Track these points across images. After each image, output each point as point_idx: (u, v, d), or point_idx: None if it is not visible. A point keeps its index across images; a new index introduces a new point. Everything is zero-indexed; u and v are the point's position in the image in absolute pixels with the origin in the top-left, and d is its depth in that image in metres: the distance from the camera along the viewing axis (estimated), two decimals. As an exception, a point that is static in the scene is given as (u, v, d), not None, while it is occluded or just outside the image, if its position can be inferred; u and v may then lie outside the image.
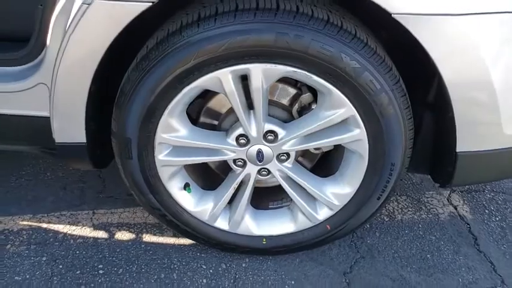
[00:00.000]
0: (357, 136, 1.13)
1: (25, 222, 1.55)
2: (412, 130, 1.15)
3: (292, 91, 1.23)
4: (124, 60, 1.15)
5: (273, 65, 1.03)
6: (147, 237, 1.50)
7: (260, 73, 1.06)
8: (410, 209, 1.64)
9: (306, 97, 1.21)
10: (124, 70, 1.14)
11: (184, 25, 1.02)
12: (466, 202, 1.68)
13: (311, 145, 1.20)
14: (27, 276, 1.36)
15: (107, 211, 1.62)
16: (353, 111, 1.09)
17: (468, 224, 1.57)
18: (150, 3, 0.96)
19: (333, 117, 1.11)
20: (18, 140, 1.37)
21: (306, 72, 1.04)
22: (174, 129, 1.18)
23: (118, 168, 1.28)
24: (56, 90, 1.13)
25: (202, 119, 1.31)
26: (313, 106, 1.21)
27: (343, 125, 1.14)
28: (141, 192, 1.29)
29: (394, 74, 1.07)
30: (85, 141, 1.21)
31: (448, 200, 1.69)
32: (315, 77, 1.04)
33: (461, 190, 1.74)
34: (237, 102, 1.12)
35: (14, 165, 1.81)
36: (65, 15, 1.06)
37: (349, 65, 1.01)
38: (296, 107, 1.23)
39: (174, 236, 1.50)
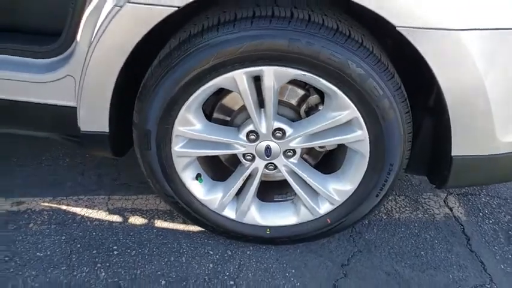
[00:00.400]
0: (359, 137, 1.22)
1: (46, 204, 1.66)
2: (411, 133, 1.24)
3: (301, 92, 1.33)
4: (144, 56, 1.24)
5: (285, 68, 1.13)
6: (159, 223, 1.61)
7: (272, 75, 1.15)
8: (407, 209, 1.72)
9: (314, 98, 1.31)
10: (143, 65, 1.24)
11: (206, 28, 1.11)
12: (461, 204, 1.76)
13: (316, 143, 1.29)
14: (48, 253, 1.47)
15: (122, 197, 1.72)
16: (357, 114, 1.18)
17: (462, 225, 1.66)
18: (176, 8, 1.05)
19: (337, 118, 1.20)
20: (45, 127, 1.47)
21: (315, 76, 1.13)
22: (190, 123, 1.27)
23: (132, 158, 1.38)
24: (84, 83, 1.23)
25: (215, 115, 1.41)
26: (320, 107, 1.30)
27: (347, 126, 1.23)
28: (157, 181, 1.39)
29: (396, 81, 1.16)
30: (108, 131, 1.31)
31: (444, 201, 1.77)
32: (323, 81, 1.14)
33: (458, 193, 1.82)
34: (249, 100, 1.22)
35: (35, 151, 1.92)
36: (96, 15, 1.16)
37: (355, 72, 1.10)
38: (304, 107, 1.32)
39: (184, 222, 1.60)
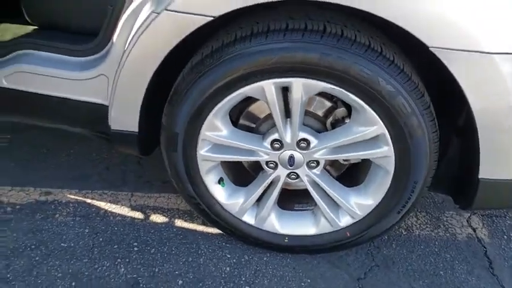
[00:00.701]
0: (385, 153, 1.21)
1: (72, 196, 1.72)
2: (437, 153, 1.23)
3: (328, 104, 1.33)
4: (175, 61, 1.27)
5: (314, 81, 1.13)
6: (179, 222, 1.64)
7: (301, 87, 1.16)
8: (428, 226, 1.70)
9: (341, 111, 1.31)
10: (174, 70, 1.26)
11: (238, 38, 1.13)
12: (485, 226, 1.72)
13: (341, 156, 1.29)
14: (72, 245, 1.52)
15: (144, 194, 1.76)
16: (384, 130, 1.17)
17: (485, 247, 1.62)
18: (211, 18, 1.07)
19: (364, 133, 1.20)
20: (77, 122, 1.52)
21: (344, 90, 1.13)
22: (217, 129, 1.29)
23: (156, 157, 1.40)
24: (118, 83, 1.26)
25: (242, 121, 1.42)
26: (347, 120, 1.30)
27: (373, 141, 1.22)
28: (181, 182, 1.41)
29: (425, 100, 1.15)
30: (137, 130, 1.35)
31: (467, 221, 1.74)
32: (351, 96, 1.14)
33: (482, 214, 1.78)
34: (276, 110, 1.23)
35: (64, 144, 1.99)
36: (133, 19, 1.19)
37: (385, 89, 1.10)
38: (330, 119, 1.33)
39: (203, 224, 1.62)
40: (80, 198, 1.71)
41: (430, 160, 1.20)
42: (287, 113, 1.27)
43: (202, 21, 1.07)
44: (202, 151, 1.34)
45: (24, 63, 1.41)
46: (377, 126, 1.17)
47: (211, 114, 1.25)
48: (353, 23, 1.12)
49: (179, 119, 1.27)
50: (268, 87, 1.17)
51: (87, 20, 1.45)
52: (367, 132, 1.19)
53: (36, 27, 1.56)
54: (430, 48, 1.03)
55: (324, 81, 1.12)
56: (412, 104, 1.11)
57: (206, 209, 1.46)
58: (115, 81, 1.27)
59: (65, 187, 1.75)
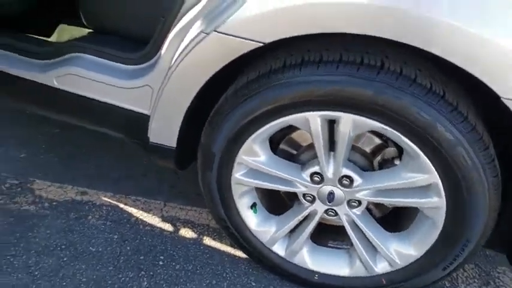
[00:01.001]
0: (435, 204, 1.10)
1: (106, 199, 1.72)
2: (497, 212, 1.09)
3: (378, 141, 1.23)
4: (218, 81, 1.22)
5: (365, 119, 1.04)
6: (207, 240, 1.59)
7: (350, 123, 1.07)
8: (476, 281, 1.54)
9: (391, 151, 1.20)
10: (217, 90, 1.22)
11: (288, 66, 1.06)
12: (542, 289, 1.54)
13: (385, 200, 1.19)
14: (100, 250, 1.51)
15: (177, 206, 1.74)
16: (437, 180, 1.06)
17: (539, 315, 1.45)
18: (261, 44, 1.01)
19: (414, 180, 1.09)
20: (118, 128, 1.52)
21: (397, 132, 1.03)
22: (255, 154, 1.23)
23: (192, 168, 1.36)
24: (161, 98, 1.24)
25: (282, 146, 1.35)
26: (396, 162, 1.19)
27: (423, 189, 1.11)
28: (213, 202, 1.37)
29: (490, 153, 1.02)
30: (175, 146, 1.32)
31: (521, 281, 1.56)
32: (405, 139, 1.03)
33: (540, 275, 1.60)
34: (319, 142, 1.15)
35: (105, 146, 2.00)
36: (182, 35, 1.16)
37: (443, 136, 0.98)
38: (378, 158, 1.22)
39: (231, 245, 1.57)
40: (114, 202, 1.71)
41: (488, 219, 1.07)
42: (331, 145, 1.18)
43: (252, 46, 1.01)
44: (238, 174, 1.28)
45: (76, 66, 1.42)
46: (430, 175, 1.06)
47: (250, 138, 1.19)
48: (414, 61, 1.02)
49: (217, 140, 1.22)
50: (314, 119, 1.09)
51: (140, 27, 1.44)
52: (418, 180, 1.08)
53: (91, 30, 1.58)
54: (502, 99, 0.91)
55: (376, 120, 1.03)
56: (473, 156, 0.99)
57: (235, 233, 1.40)
58: (158, 95, 1.25)
59: (101, 189, 1.76)
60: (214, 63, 1.09)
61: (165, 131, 1.30)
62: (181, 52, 1.14)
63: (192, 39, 1.09)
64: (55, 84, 1.47)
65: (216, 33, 1.03)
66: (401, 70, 0.99)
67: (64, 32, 1.61)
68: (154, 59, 1.32)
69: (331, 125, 1.14)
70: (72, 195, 1.72)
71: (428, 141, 1.01)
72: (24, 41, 1.51)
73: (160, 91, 1.24)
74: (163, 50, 1.27)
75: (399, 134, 1.03)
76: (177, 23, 1.21)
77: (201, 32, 1.06)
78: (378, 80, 0.98)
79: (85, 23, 1.57)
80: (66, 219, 1.61)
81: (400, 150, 1.17)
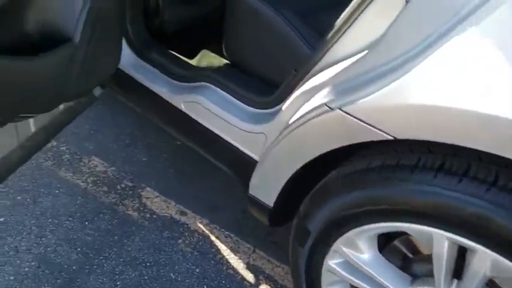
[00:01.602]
0: None
1: (200, 226, 1.70)
2: None
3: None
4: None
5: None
6: (285, 307, 1.45)
7: (488, 261, 0.80)
8: None
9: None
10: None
11: (421, 166, 0.84)
12: None
13: None
14: (179, 279, 1.50)
15: (266, 256, 1.63)
16: None
17: None
18: (391, 138, 0.82)
19: None
20: (226, 162, 1.48)
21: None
22: (356, 248, 1.04)
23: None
24: (269, 156, 1.14)
25: (396, 243, 1.12)
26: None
27: None
28: (298, 278, 1.22)
29: None
30: (271, 206, 1.21)
31: None
32: None
33: None
34: (441, 266, 0.90)
35: (216, 170, 1.95)
36: (307, 97, 1.03)
37: None
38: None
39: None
40: (207, 231, 1.69)
41: None
42: (456, 272, 0.92)
43: (380, 137, 0.83)
44: (331, 262, 1.10)
45: (203, 96, 1.42)
46: None
47: (354, 230, 1.01)
48: None
49: (316, 219, 1.07)
50: (439, 239, 0.86)
51: (272, 72, 1.38)
52: None
53: (228, 62, 1.58)
54: None
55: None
56: None
57: (314, 319, 1.23)
58: (267, 151, 1.15)
59: (199, 213, 1.75)
60: (332, 141, 0.93)
61: (264, 189, 1.20)
62: (300, 117, 1.01)
63: (314, 108, 0.96)
64: (182, 107, 1.50)
65: (341, 111, 0.87)
66: None
67: (204, 58, 1.64)
68: (275, 110, 1.23)
69: (461, 248, 0.88)
70: (172, 212, 1.74)
71: None
72: (171, 60, 1.57)
73: (272, 146, 1.14)
74: (285, 104, 1.16)
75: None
76: (307, 80, 1.09)
77: (325, 104, 0.92)
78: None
79: (225, 53, 1.56)
80: (160, 237, 1.64)
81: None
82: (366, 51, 0.89)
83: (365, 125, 0.84)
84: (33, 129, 1.36)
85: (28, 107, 1.17)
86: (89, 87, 1.36)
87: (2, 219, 1.59)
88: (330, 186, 1.02)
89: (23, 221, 1.60)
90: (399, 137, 0.81)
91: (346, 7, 0.96)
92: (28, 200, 1.67)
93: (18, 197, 1.67)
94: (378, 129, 0.82)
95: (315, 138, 0.98)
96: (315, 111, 0.95)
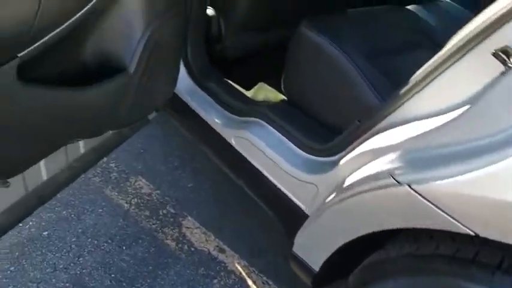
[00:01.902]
0: None
1: (238, 267, 1.60)
2: None
3: None
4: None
5: None
6: None
7: None
8: None
9: None
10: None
11: (485, 265, 0.68)
12: None
13: None
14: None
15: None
16: None
17: None
18: (472, 233, 0.67)
19: None
20: (273, 207, 1.38)
21: None
22: None
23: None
24: (323, 218, 1.01)
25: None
26: None
27: None
28: None
29: None
30: (317, 270, 1.08)
31: None
32: None
33: None
34: None
35: (253, 206, 1.80)
36: (370, 158, 0.90)
37: None
38: None
39: None
40: (244, 274, 1.58)
41: None
42: None
43: (456, 229, 0.68)
44: None
45: (255, 134, 1.34)
46: None
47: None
48: None
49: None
50: None
51: (332, 118, 1.26)
52: None
53: (285, 98, 1.48)
54: None
55: None
56: None
57: None
58: (320, 212, 1.02)
59: (239, 252, 1.65)
60: (396, 220, 0.80)
61: (311, 252, 1.08)
62: (361, 181, 0.88)
63: (379, 176, 0.82)
64: (232, 142, 1.42)
65: (411, 190, 0.73)
66: None
67: (261, 91, 1.56)
68: (332, 160, 1.11)
69: None
70: (211, 247, 1.66)
71: None
72: (227, 91, 1.50)
73: (323, 210, 1.02)
74: (345, 158, 1.03)
75: None
76: (372, 136, 0.95)
77: (391, 176, 0.78)
78: None
79: (282, 89, 1.47)
80: (195, 273, 1.55)
81: None
82: (451, 117, 0.73)
83: (441, 213, 0.68)
84: (82, 150, 1.35)
85: (80, 132, 1.16)
86: (141, 115, 1.33)
87: (45, 233, 1.60)
88: (385, 265, 0.87)
89: (65, 237, 1.59)
90: (485, 235, 0.65)
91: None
92: (72, 215, 1.67)
93: (64, 212, 1.67)
94: (459, 223, 0.67)
95: (377, 212, 0.84)
96: (379, 181, 0.81)
